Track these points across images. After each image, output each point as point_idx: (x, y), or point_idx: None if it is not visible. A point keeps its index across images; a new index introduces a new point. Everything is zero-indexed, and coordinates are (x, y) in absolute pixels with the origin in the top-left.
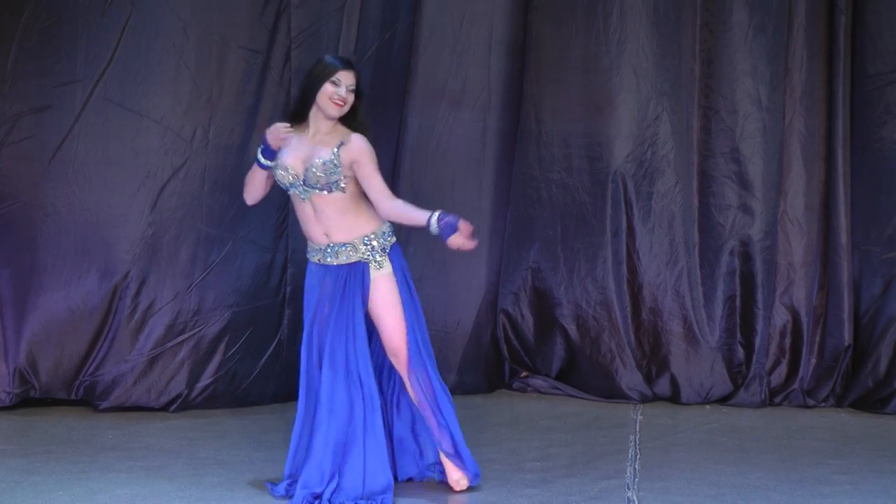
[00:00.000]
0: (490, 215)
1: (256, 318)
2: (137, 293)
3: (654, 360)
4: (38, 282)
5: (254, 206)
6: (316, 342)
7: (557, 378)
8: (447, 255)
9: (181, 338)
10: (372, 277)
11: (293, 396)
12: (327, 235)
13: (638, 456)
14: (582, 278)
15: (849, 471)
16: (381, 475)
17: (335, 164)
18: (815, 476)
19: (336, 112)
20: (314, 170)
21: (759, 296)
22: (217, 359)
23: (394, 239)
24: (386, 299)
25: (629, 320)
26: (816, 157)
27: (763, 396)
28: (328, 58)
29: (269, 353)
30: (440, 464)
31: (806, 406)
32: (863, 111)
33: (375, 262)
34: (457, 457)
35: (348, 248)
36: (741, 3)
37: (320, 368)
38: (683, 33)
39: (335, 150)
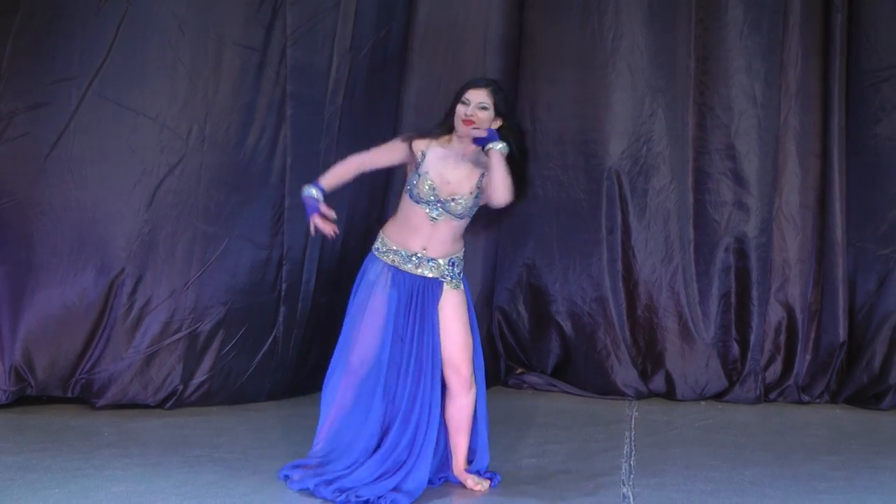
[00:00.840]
0: (485, 212)
1: (252, 315)
2: (133, 290)
3: (649, 357)
4: (34, 279)
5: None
6: (389, 348)
7: (553, 375)
8: None
9: (177, 335)
10: (445, 293)
11: (289, 393)
12: (425, 249)
13: (633, 452)
14: (577, 275)
15: (843, 467)
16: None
17: (476, 196)
18: (809, 472)
19: (464, 131)
20: (465, 201)
21: (755, 292)
22: (213, 356)
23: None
24: (457, 312)
25: (624, 317)
26: (811, 154)
27: (758, 393)
28: (470, 80)
29: (264, 350)
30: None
31: (801, 402)
32: (858, 108)
33: (452, 282)
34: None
35: (433, 265)
36: (736, 0)
37: (397, 375)
38: (678, 30)
39: (477, 181)
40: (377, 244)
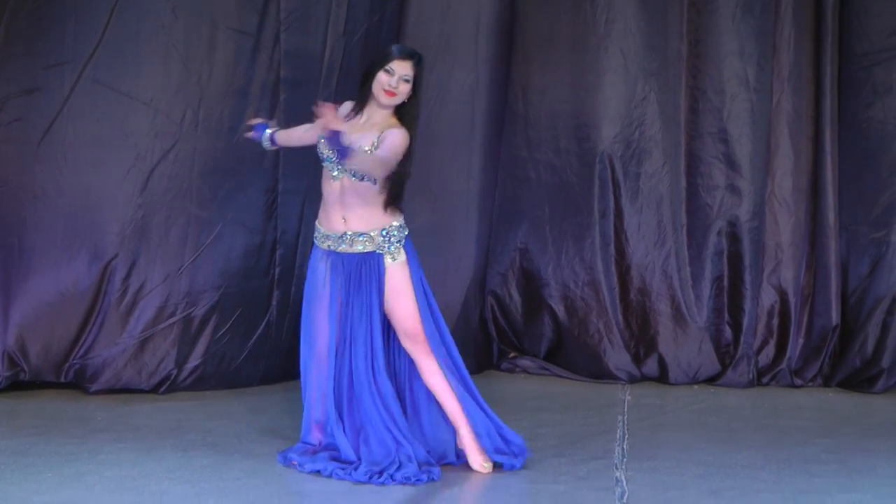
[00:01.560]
0: (478, 196)
1: (246, 299)
2: (127, 275)
3: (641, 341)
4: (27, 265)
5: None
6: (336, 330)
7: (545, 359)
8: (435, 237)
9: (171, 320)
10: (386, 267)
11: (282, 377)
12: (345, 221)
13: (626, 436)
14: (570, 259)
15: (836, 450)
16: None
17: (372, 154)
18: (802, 455)
19: (386, 101)
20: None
21: (747, 276)
22: (206, 340)
23: (407, 231)
24: (398, 287)
25: (617, 301)
26: (804, 138)
27: (751, 376)
28: (392, 46)
29: (258, 334)
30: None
31: (793, 386)
32: (850, 91)
33: (390, 253)
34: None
35: (364, 239)
36: None
37: (350, 357)
38: (670, 13)
39: (376, 139)
40: (315, 233)
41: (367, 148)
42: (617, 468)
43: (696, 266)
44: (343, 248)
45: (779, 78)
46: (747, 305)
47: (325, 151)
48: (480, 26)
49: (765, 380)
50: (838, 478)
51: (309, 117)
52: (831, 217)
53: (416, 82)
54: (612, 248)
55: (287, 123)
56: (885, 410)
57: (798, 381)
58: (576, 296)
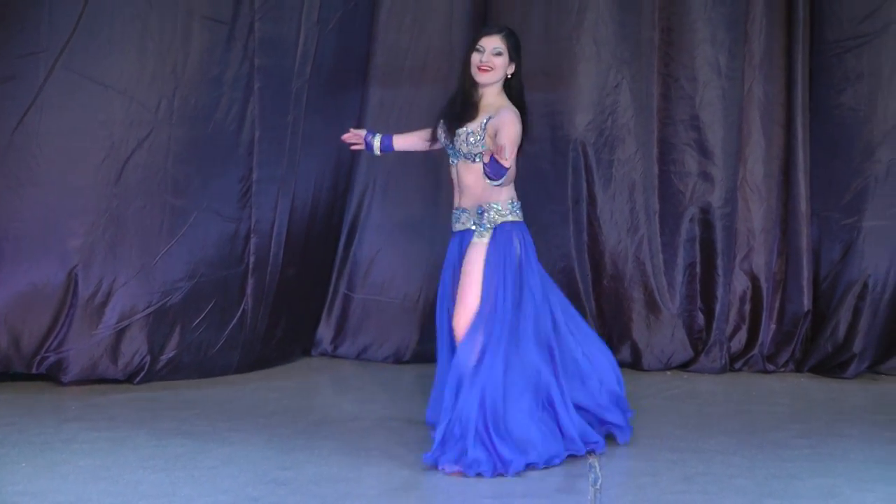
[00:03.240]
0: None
1: (221, 288)
2: (103, 265)
3: (615, 327)
4: (1, 255)
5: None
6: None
7: None
8: (409, 225)
9: (147, 310)
10: (471, 242)
11: (257, 366)
12: (460, 201)
13: None
14: (544, 246)
15: (808, 435)
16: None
17: (479, 137)
18: (774, 440)
19: (484, 78)
20: (460, 139)
21: (720, 262)
22: (181, 330)
23: (515, 217)
24: (470, 265)
25: (590, 287)
26: (775, 125)
27: (723, 362)
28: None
29: (233, 323)
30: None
31: (766, 371)
32: (821, 78)
33: (479, 231)
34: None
35: (465, 215)
36: None
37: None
38: (643, 2)
39: (484, 122)
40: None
41: (472, 130)
42: (590, 454)
43: (669, 253)
44: (457, 226)
45: (750, 65)
46: (720, 292)
47: (444, 141)
48: (454, 14)
49: (737, 365)
50: (810, 462)
51: (284, 106)
52: (803, 203)
53: (512, 54)
54: (585, 235)
55: (262, 111)
56: (857, 395)
57: (770, 367)
58: None
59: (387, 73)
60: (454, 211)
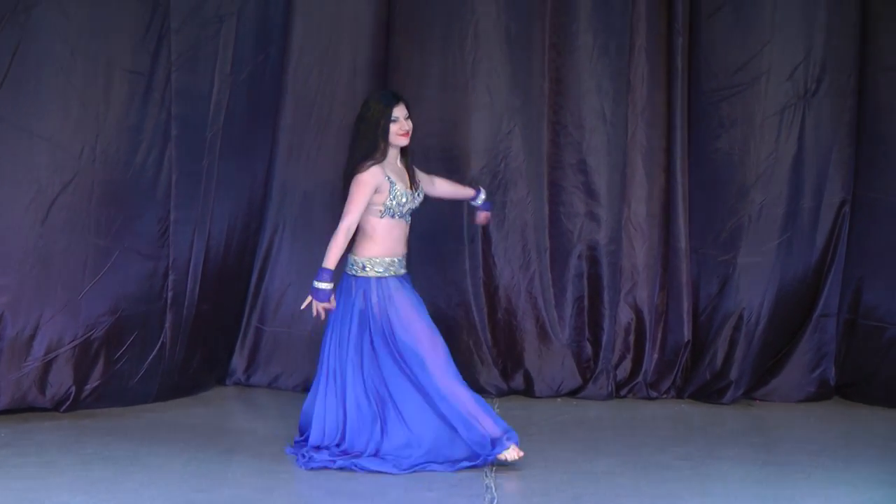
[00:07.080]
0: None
1: (141, 322)
2: (31, 301)
3: (509, 357)
4: None
5: None
6: (392, 342)
7: None
8: (317, 263)
9: (72, 343)
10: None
11: (176, 394)
12: (404, 251)
13: None
14: (441, 281)
15: (689, 457)
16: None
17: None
18: (658, 462)
19: (405, 141)
20: (419, 196)
21: (606, 296)
22: (105, 361)
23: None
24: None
25: (486, 320)
26: (657, 168)
27: (610, 389)
28: (381, 99)
29: (153, 354)
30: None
31: (649, 398)
32: (699, 124)
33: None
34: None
35: (404, 261)
36: (586, 26)
37: (402, 363)
38: (534, 54)
39: (416, 179)
40: (366, 267)
41: (411, 190)
42: (486, 476)
43: (559, 287)
44: (402, 271)
45: (634, 112)
46: (606, 323)
47: (410, 205)
48: (357, 65)
49: (623, 392)
50: (691, 483)
51: (199, 152)
52: (683, 241)
53: (410, 113)
54: (480, 271)
55: (178, 157)
56: (734, 420)
57: (653, 394)
58: (447, 316)
59: (295, 120)
60: (397, 258)
